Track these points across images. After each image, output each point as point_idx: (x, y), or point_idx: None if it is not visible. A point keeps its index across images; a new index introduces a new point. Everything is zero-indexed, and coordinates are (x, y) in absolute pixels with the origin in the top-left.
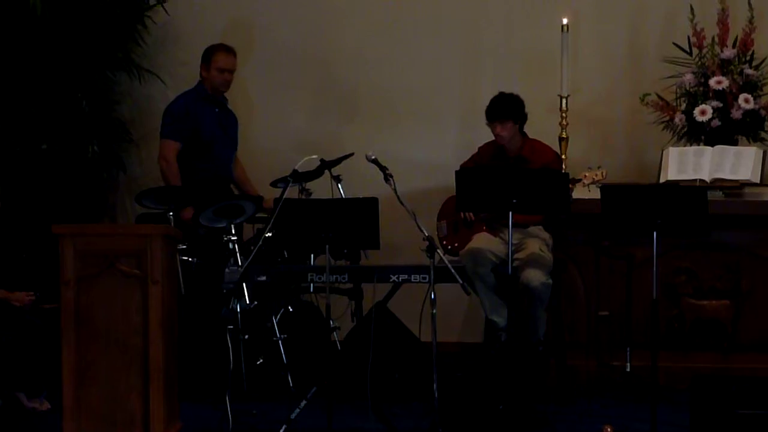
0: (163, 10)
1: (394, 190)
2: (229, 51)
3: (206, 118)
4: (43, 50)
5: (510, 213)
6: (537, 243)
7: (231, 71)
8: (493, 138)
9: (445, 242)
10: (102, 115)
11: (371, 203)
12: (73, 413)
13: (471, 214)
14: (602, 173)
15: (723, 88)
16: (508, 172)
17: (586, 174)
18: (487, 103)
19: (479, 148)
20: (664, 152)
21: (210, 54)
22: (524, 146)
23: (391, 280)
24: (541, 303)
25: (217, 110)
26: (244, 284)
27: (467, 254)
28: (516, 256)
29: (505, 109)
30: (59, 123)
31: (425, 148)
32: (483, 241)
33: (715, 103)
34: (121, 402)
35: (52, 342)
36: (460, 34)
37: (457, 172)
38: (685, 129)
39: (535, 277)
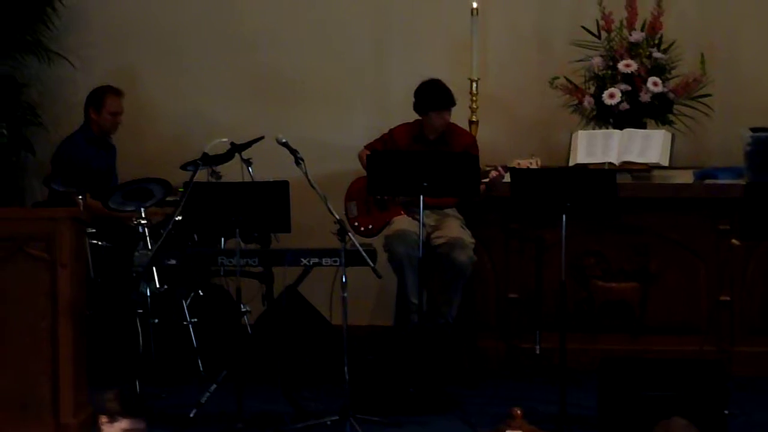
0: None
1: (305, 173)
2: (118, 93)
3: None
4: None
5: (421, 196)
6: (456, 222)
7: (121, 113)
8: (408, 121)
9: (356, 223)
10: (11, 99)
11: (282, 186)
12: None
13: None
14: (536, 161)
15: (631, 72)
16: (420, 157)
17: (520, 162)
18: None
19: (392, 131)
20: (573, 135)
21: (101, 97)
22: (446, 129)
23: (302, 264)
24: (464, 280)
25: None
26: (153, 268)
27: (397, 237)
28: (436, 235)
29: (452, 96)
30: None
31: (336, 131)
32: (406, 223)
33: (623, 87)
34: (30, 388)
35: None
36: (370, 18)
37: (368, 156)
38: (594, 112)
39: (463, 253)
